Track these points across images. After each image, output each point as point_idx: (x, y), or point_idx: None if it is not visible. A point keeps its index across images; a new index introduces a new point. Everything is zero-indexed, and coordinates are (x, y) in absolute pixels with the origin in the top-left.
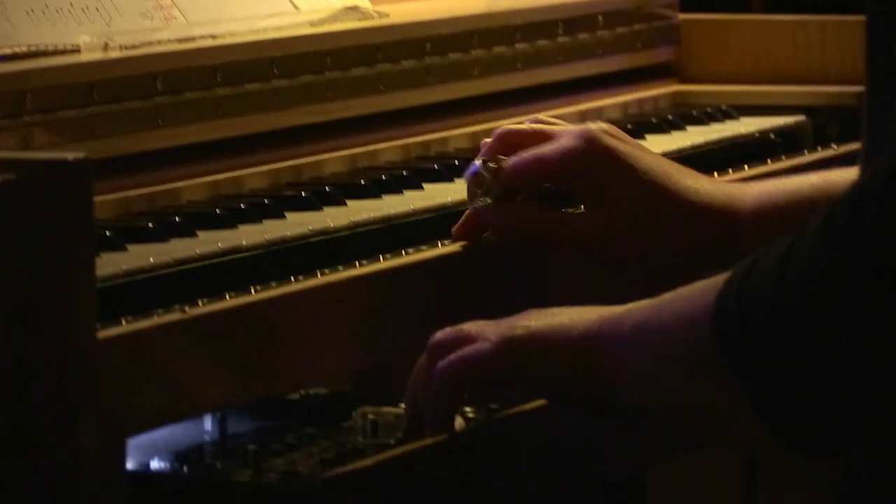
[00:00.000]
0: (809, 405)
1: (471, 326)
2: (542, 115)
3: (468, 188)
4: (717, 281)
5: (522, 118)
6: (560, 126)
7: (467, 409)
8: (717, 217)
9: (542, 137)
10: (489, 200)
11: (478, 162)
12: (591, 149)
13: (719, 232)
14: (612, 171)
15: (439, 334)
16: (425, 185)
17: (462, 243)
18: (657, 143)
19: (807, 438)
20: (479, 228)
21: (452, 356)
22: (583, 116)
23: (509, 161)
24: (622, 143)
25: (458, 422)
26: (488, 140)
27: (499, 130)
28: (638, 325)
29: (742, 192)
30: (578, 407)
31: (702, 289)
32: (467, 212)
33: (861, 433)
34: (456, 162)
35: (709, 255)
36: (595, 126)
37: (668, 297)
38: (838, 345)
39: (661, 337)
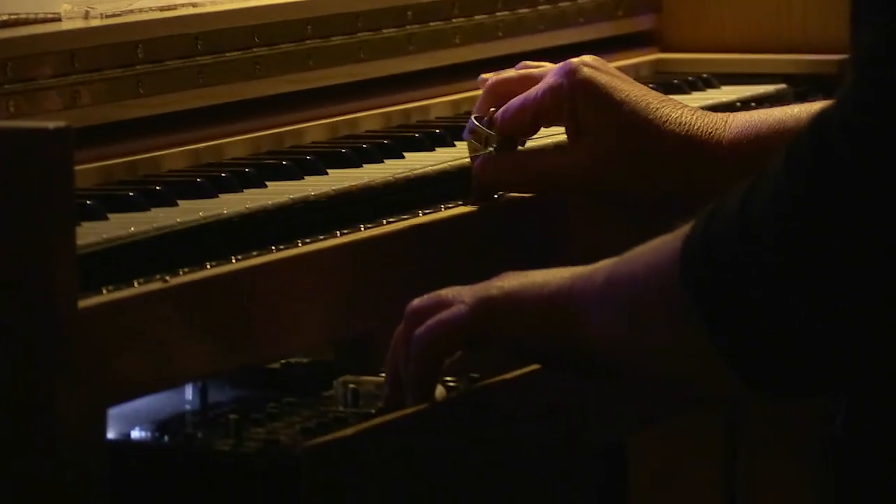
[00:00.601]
0: (775, 346)
1: (447, 292)
2: (528, 62)
3: (468, 145)
4: (683, 230)
5: None
6: (546, 67)
7: (448, 378)
8: (698, 147)
9: (530, 82)
10: (490, 150)
11: (473, 119)
12: (572, 81)
13: (701, 162)
14: (592, 102)
15: (416, 301)
16: (406, 154)
17: (440, 212)
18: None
19: (774, 382)
20: (483, 183)
21: (430, 321)
22: None
23: (499, 111)
24: (602, 73)
25: (440, 391)
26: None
27: (487, 82)
28: (609, 279)
29: (725, 122)
30: (554, 366)
31: (671, 237)
32: (474, 173)
33: (829, 374)
34: (437, 130)
35: (693, 186)
36: (577, 59)
37: (638, 249)
38: (804, 281)
39: (632, 288)
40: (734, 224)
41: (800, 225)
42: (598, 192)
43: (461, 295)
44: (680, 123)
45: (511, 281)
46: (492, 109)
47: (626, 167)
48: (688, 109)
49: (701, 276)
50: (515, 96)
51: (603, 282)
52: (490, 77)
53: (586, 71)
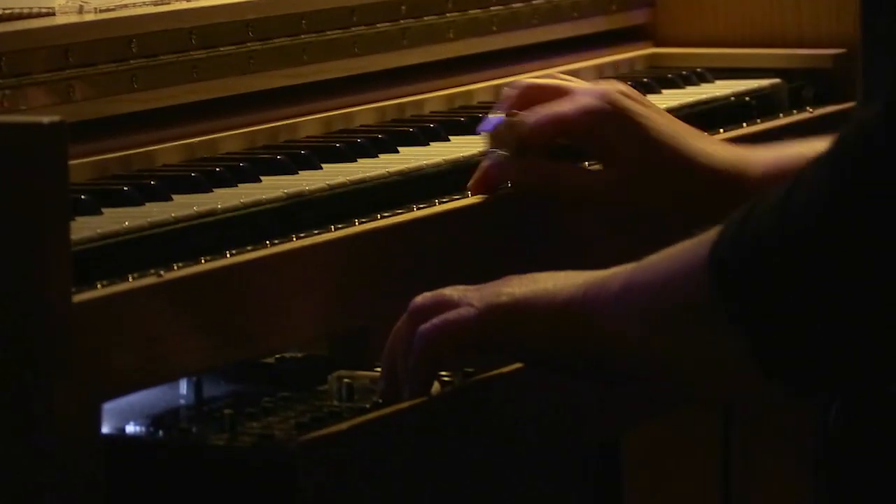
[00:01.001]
0: (818, 344)
1: (452, 291)
2: (553, 72)
3: (486, 140)
4: (707, 235)
5: (498, 81)
6: (577, 83)
7: (443, 373)
8: (726, 181)
9: (561, 93)
10: (506, 153)
11: (495, 116)
12: (608, 109)
13: (728, 196)
14: (625, 132)
15: (420, 298)
16: (401, 149)
17: (435, 207)
18: None
19: (806, 378)
20: (496, 181)
21: (435, 320)
22: None
23: (530, 117)
24: (637, 104)
25: (435, 386)
26: (508, 90)
27: (520, 84)
28: (626, 285)
29: (754, 157)
30: (565, 372)
31: (692, 244)
32: (482, 164)
33: (866, 375)
34: (431, 125)
35: (718, 219)
36: (612, 86)
37: (654, 257)
38: (848, 274)
39: (651, 294)
40: (774, 221)
41: (844, 216)
42: (619, 208)
43: (468, 297)
44: (708, 156)
45: (520, 287)
46: (517, 113)
47: (650, 194)
48: (718, 144)
49: (734, 278)
50: (542, 103)
51: (620, 288)
52: (524, 81)
53: (623, 101)
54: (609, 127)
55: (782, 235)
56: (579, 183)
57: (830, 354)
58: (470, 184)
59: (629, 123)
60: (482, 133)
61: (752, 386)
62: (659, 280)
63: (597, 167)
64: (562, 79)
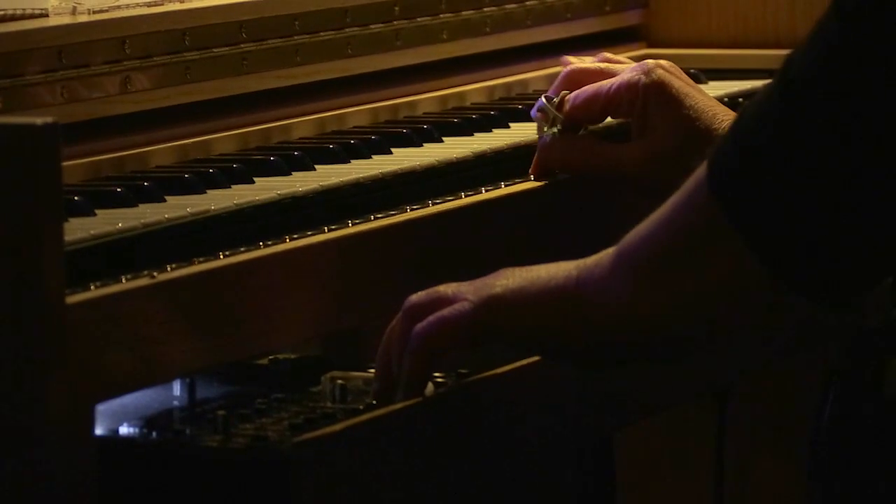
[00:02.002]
0: (819, 234)
1: (446, 288)
2: (608, 54)
3: (537, 123)
4: (703, 166)
5: (491, 82)
6: (625, 64)
7: (437, 374)
8: None
9: (607, 76)
10: (555, 131)
11: (543, 98)
12: (647, 81)
13: None
14: (661, 105)
15: (414, 297)
16: (394, 150)
17: (428, 208)
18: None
19: (818, 282)
20: (543, 162)
21: (431, 318)
22: (551, 80)
23: (571, 94)
24: (676, 79)
25: (428, 387)
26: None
27: (566, 69)
28: (619, 254)
29: None
30: (564, 359)
31: (690, 179)
32: (538, 150)
33: (868, 268)
34: (424, 126)
35: None
36: (653, 61)
37: (649, 217)
38: (844, 150)
39: (653, 240)
40: (765, 110)
41: (831, 84)
42: (651, 187)
43: (462, 292)
44: None
45: (514, 278)
46: (563, 92)
47: (681, 166)
48: None
49: (734, 179)
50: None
51: (613, 261)
52: (572, 60)
53: (662, 73)
54: (649, 101)
55: (775, 121)
56: (617, 158)
57: (837, 244)
58: (531, 169)
59: (669, 98)
60: (533, 117)
61: (766, 299)
62: (659, 223)
63: (635, 143)
64: (612, 60)
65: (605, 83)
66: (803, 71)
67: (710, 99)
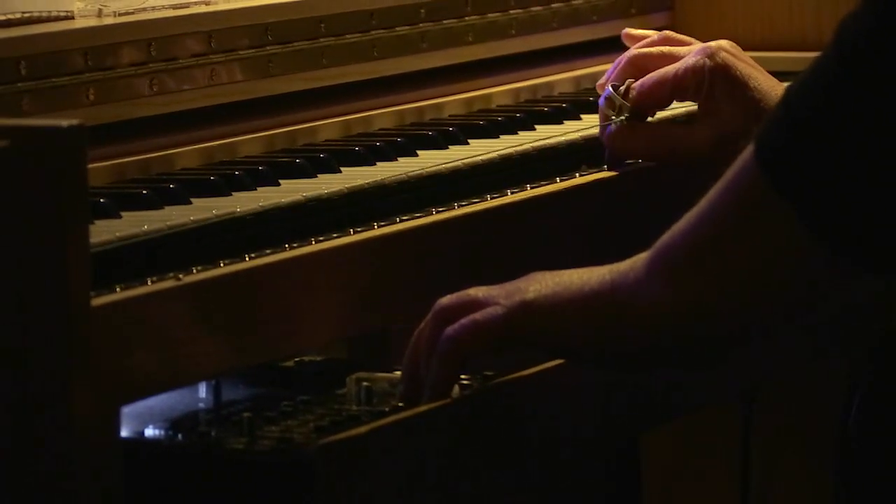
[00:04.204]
0: (871, 205)
1: (476, 291)
2: (670, 32)
3: (600, 113)
4: (738, 160)
5: (516, 84)
6: (687, 44)
7: (462, 376)
8: None
9: (670, 60)
10: (623, 119)
11: (610, 87)
12: (712, 63)
13: None
14: (726, 88)
15: (445, 300)
16: (419, 152)
17: (454, 210)
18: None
19: (870, 250)
20: (612, 150)
21: (464, 321)
22: (577, 82)
23: (637, 82)
24: (740, 61)
25: (454, 389)
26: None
27: (629, 53)
28: (655, 258)
29: None
30: (596, 364)
31: (736, 162)
32: (606, 140)
33: None
34: (450, 128)
35: None
36: (716, 43)
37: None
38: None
39: (685, 249)
40: (811, 86)
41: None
42: (718, 168)
43: (493, 296)
44: None
45: (546, 283)
46: (629, 80)
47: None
48: None
49: (783, 155)
50: (653, 70)
51: (649, 263)
52: (632, 33)
53: (726, 56)
54: (713, 83)
55: (828, 87)
56: (684, 142)
57: (891, 209)
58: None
59: (733, 80)
60: (600, 105)
61: (815, 277)
62: (699, 216)
63: (702, 126)
64: (673, 39)
65: (671, 69)
66: (858, 35)
67: (773, 79)
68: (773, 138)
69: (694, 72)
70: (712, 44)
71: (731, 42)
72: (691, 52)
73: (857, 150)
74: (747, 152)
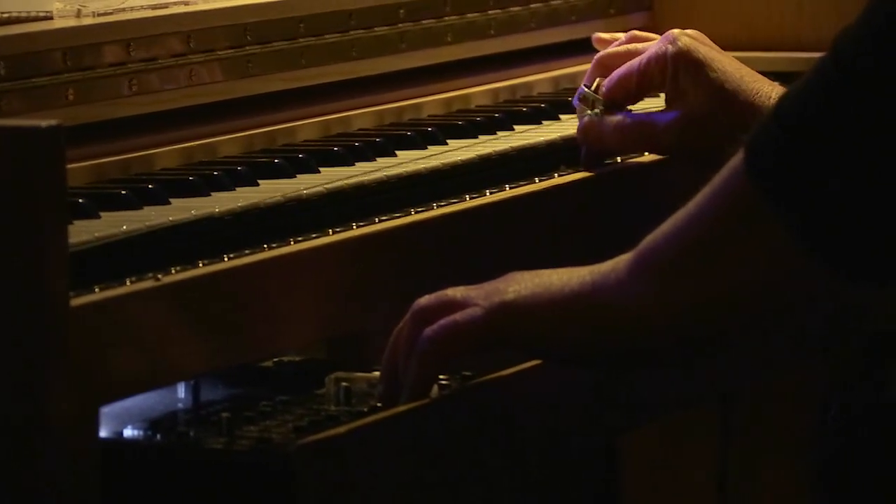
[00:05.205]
0: (860, 215)
1: (454, 292)
2: (637, 32)
3: (577, 111)
4: (737, 156)
5: (495, 85)
6: (653, 40)
7: (441, 376)
8: None
9: (636, 56)
10: (597, 112)
11: (582, 87)
12: (674, 49)
13: None
14: (689, 71)
15: (423, 300)
16: (398, 152)
17: (432, 210)
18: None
19: (859, 260)
20: (587, 143)
21: (443, 322)
22: (556, 83)
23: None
24: (701, 45)
25: (433, 389)
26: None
27: (597, 56)
28: (639, 260)
29: None
30: (575, 364)
31: (724, 169)
32: (578, 134)
33: None
34: (429, 128)
35: None
36: (678, 30)
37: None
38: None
39: (670, 252)
40: (803, 95)
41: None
42: (686, 152)
43: (472, 297)
44: (768, 97)
45: (525, 284)
46: (599, 78)
47: (714, 132)
48: (778, 86)
49: (773, 160)
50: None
51: (631, 264)
52: (603, 37)
53: (687, 40)
54: (676, 68)
55: (823, 98)
56: (652, 129)
57: (886, 225)
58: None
59: (696, 63)
60: (574, 106)
61: (803, 288)
62: (685, 220)
63: (668, 111)
64: (640, 38)
65: (635, 60)
66: (856, 45)
67: (737, 62)
68: (765, 148)
69: (657, 59)
70: (675, 31)
71: (696, 31)
72: (654, 42)
73: (853, 162)
74: (736, 159)
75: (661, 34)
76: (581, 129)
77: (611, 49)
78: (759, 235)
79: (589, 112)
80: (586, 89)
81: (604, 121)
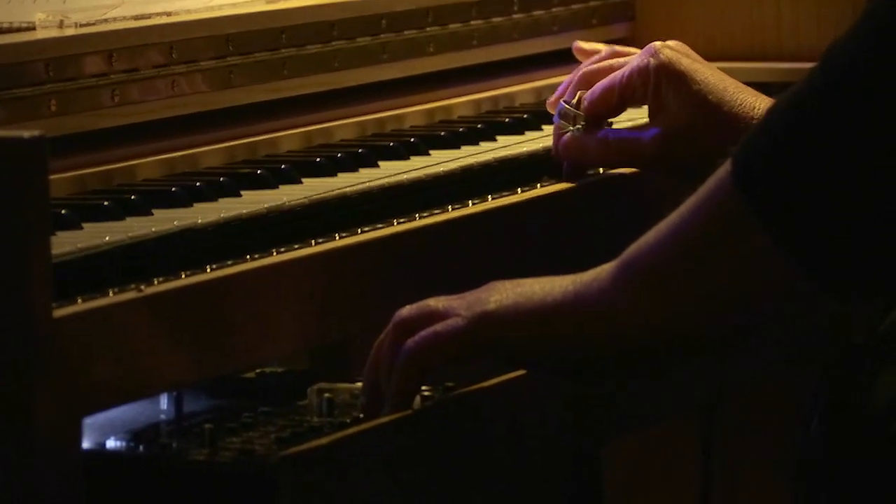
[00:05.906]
0: (846, 229)
1: (436, 302)
2: (618, 47)
3: (554, 130)
4: (724, 165)
5: (478, 95)
6: (633, 54)
7: (424, 387)
8: None
9: (618, 70)
10: (579, 127)
11: (563, 102)
12: (656, 62)
13: None
14: (670, 83)
15: (404, 311)
16: (381, 163)
17: (415, 221)
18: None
19: (844, 274)
20: (569, 159)
21: (424, 333)
22: (538, 93)
23: (587, 92)
24: (684, 56)
25: (415, 400)
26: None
27: (578, 70)
28: (622, 269)
29: None
30: (557, 374)
31: (711, 178)
32: (560, 150)
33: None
34: (411, 139)
35: None
36: (660, 42)
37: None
38: (870, 146)
39: (653, 261)
40: (793, 105)
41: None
42: (671, 166)
43: (454, 307)
44: (752, 108)
45: (507, 293)
46: (580, 92)
47: (698, 143)
48: (763, 97)
49: (760, 173)
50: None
51: (614, 273)
52: (583, 46)
53: (669, 53)
54: (660, 81)
55: (813, 110)
56: (634, 143)
57: (877, 240)
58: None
59: (678, 75)
60: (556, 123)
61: (787, 300)
62: (670, 229)
63: (650, 125)
64: (621, 53)
65: (617, 73)
66: (845, 58)
67: (721, 73)
68: (754, 158)
69: (639, 72)
70: (657, 43)
71: (678, 42)
72: (636, 56)
73: (843, 174)
74: (723, 171)
75: (643, 45)
76: (563, 145)
77: (591, 65)
78: (745, 246)
79: (570, 128)
80: (566, 105)
81: (586, 137)
